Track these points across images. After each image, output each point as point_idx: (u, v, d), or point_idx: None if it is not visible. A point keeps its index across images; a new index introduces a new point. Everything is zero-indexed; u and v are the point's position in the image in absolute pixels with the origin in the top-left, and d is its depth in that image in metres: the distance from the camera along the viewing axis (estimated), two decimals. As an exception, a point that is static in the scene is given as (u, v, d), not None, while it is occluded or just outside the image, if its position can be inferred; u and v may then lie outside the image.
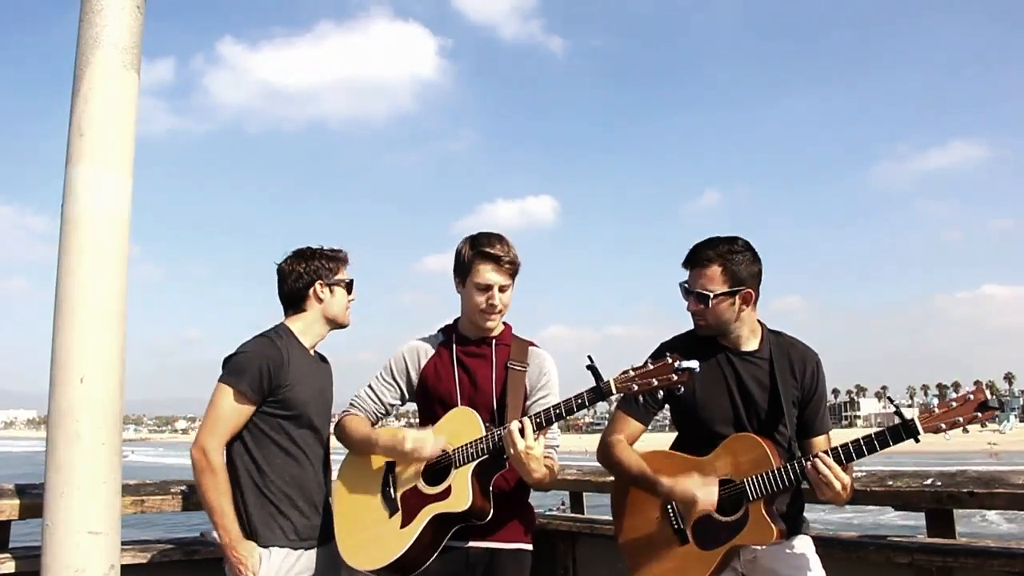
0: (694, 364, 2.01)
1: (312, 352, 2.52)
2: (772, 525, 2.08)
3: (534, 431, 2.08)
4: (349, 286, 2.53)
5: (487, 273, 2.33)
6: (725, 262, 2.20)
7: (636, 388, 2.03)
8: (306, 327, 2.48)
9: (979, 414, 1.92)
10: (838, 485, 2.00)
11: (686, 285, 2.26)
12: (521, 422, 2.08)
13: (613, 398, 2.14)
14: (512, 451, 2.07)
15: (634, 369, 2.05)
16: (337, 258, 2.53)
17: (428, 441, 2.22)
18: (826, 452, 2.05)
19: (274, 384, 2.32)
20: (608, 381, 2.06)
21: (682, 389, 2.05)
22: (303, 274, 2.47)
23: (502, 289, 2.35)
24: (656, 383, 2.02)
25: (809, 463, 2.04)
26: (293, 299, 2.49)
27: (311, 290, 2.47)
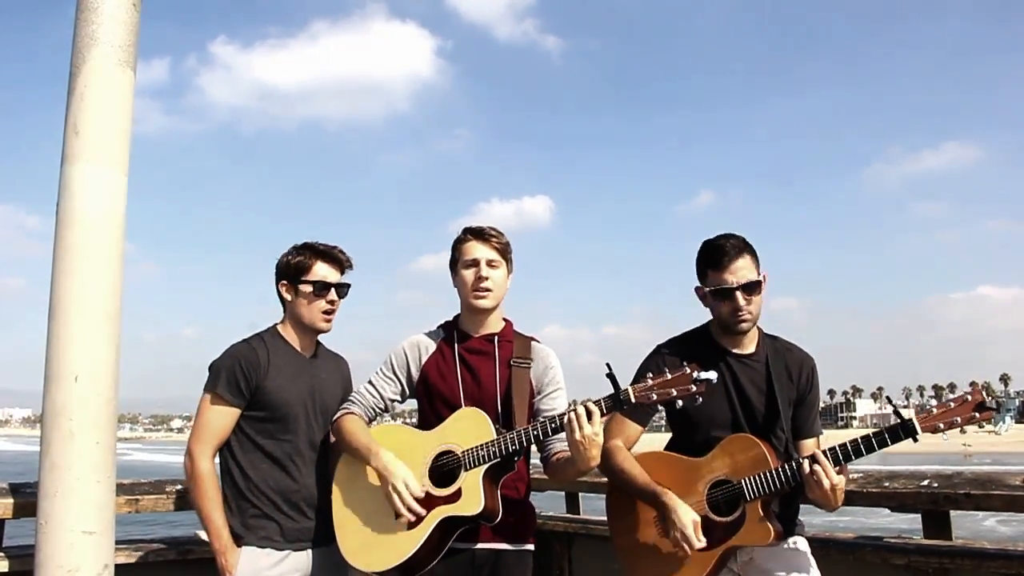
0: (712, 375, 1.98)
1: (311, 351, 2.49)
2: (769, 526, 2.08)
3: (601, 415, 2.02)
4: (317, 287, 2.40)
5: (472, 248, 2.34)
6: (751, 249, 2.21)
7: (655, 398, 2.01)
8: (287, 328, 2.48)
9: (977, 414, 1.93)
10: (827, 484, 1.99)
11: (730, 283, 2.17)
12: (587, 406, 2.03)
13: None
14: (577, 436, 2.01)
15: (652, 378, 2.03)
16: (303, 255, 2.42)
17: (412, 488, 2.14)
18: (824, 452, 2.03)
19: (253, 385, 2.33)
20: (626, 390, 2.03)
21: (700, 400, 2.00)
22: (276, 271, 2.46)
23: (491, 264, 2.32)
24: (675, 393, 1.99)
25: (804, 460, 2.03)
26: (279, 297, 2.49)
27: (279, 289, 2.46)
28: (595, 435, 2.01)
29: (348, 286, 2.48)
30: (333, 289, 2.42)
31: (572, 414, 2.03)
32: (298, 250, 2.44)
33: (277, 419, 2.35)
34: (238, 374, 2.33)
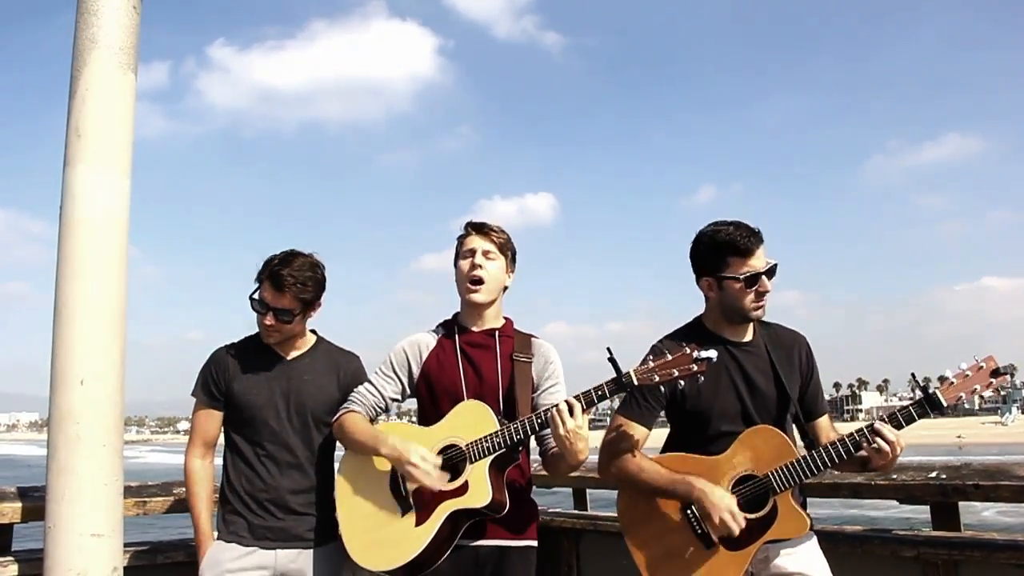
0: (712, 353, 1.97)
1: (297, 352, 2.48)
2: (804, 515, 2.08)
3: (583, 410, 2.03)
4: (257, 307, 2.38)
5: (470, 240, 2.36)
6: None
7: (657, 379, 2.00)
8: None
9: (993, 380, 1.96)
10: (899, 451, 2.00)
11: (759, 269, 2.15)
12: (569, 401, 2.04)
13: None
14: (561, 431, 2.02)
15: (653, 360, 2.02)
16: (260, 271, 2.38)
17: (430, 459, 2.13)
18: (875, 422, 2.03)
19: (222, 387, 2.42)
20: (628, 372, 2.02)
21: (702, 379, 2.01)
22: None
23: (487, 255, 2.33)
24: (677, 373, 1.98)
25: (869, 430, 2.01)
26: None
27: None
28: (579, 428, 2.03)
29: (288, 312, 2.35)
30: (271, 312, 2.37)
31: (553, 410, 2.04)
32: (264, 263, 2.40)
33: (246, 420, 2.41)
34: (208, 377, 2.45)
